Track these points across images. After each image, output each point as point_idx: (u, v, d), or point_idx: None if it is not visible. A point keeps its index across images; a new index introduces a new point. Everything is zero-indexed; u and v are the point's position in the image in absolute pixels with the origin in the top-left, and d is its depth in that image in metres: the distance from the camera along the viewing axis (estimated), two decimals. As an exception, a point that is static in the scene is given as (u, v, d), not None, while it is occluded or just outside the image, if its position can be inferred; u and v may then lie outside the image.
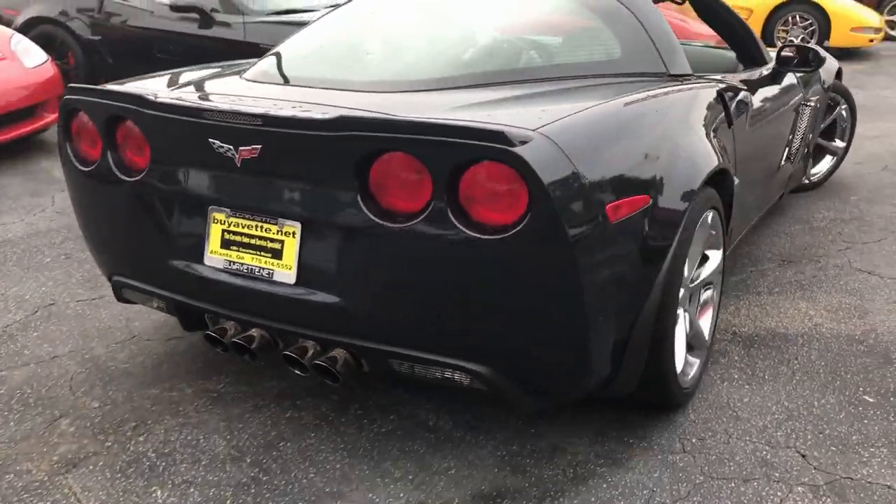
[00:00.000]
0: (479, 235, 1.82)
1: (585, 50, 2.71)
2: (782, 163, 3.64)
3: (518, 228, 1.79)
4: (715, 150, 2.41)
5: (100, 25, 6.78)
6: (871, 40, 9.76)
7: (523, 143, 1.76)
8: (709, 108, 2.54)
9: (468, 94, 2.21)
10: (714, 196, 2.41)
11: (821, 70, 3.83)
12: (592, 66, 2.53)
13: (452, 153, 1.79)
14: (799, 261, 3.68)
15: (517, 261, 1.83)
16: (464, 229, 1.83)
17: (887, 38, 10.79)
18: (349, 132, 1.88)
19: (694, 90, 2.53)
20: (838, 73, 4.43)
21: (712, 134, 2.47)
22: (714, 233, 2.50)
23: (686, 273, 2.28)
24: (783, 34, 9.76)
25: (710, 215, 2.39)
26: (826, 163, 4.74)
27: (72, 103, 2.32)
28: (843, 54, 9.24)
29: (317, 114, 1.95)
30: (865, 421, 2.42)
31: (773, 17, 9.91)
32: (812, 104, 3.91)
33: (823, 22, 9.63)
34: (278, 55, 2.70)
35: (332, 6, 3.42)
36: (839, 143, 4.73)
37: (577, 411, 2.39)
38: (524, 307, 1.89)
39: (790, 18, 9.77)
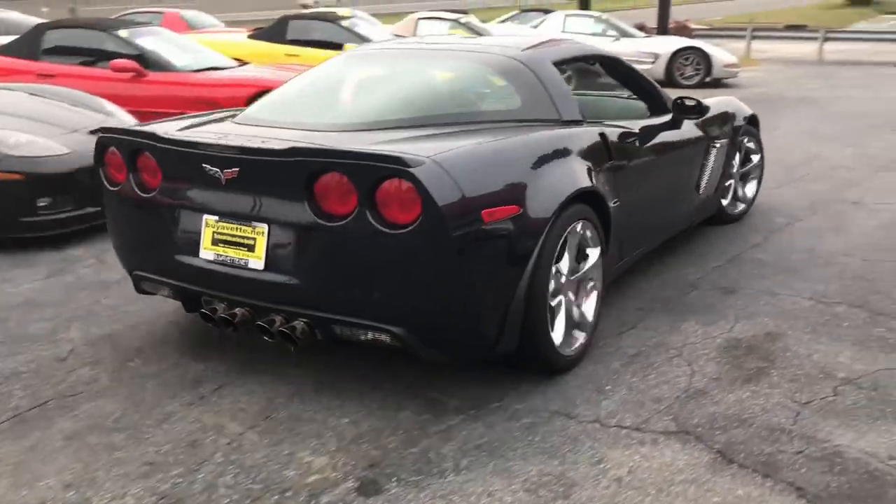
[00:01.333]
0: (388, 231, 2.63)
1: (491, 101, 3.59)
2: (691, 194, 4.56)
3: (415, 225, 2.59)
4: (587, 177, 3.20)
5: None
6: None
7: (418, 165, 2.56)
8: (588, 145, 3.35)
9: (392, 134, 3.04)
10: (587, 210, 3.19)
11: (736, 115, 5.02)
12: (495, 114, 3.44)
13: (370, 172, 2.63)
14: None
15: (416, 249, 2.63)
16: (378, 226, 2.64)
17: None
18: (298, 158, 2.74)
19: (574, 132, 3.36)
20: (752, 120, 5.35)
21: (587, 165, 3.25)
22: (590, 237, 3.25)
23: (564, 267, 3.10)
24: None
25: (579, 225, 3.14)
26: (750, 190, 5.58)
27: (105, 140, 3.29)
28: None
29: (276, 145, 2.80)
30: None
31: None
32: (718, 146, 4.73)
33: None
34: (260, 105, 3.61)
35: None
36: (750, 189, 5.57)
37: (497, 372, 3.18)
38: (423, 284, 2.68)
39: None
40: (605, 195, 3.32)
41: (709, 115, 4.46)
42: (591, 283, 3.34)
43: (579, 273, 3.25)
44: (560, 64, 3.75)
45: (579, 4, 22.66)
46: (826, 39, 20.68)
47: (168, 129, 3.23)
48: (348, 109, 3.51)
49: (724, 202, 5.17)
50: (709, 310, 3.85)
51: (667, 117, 4.26)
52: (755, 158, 5.54)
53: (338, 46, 9.51)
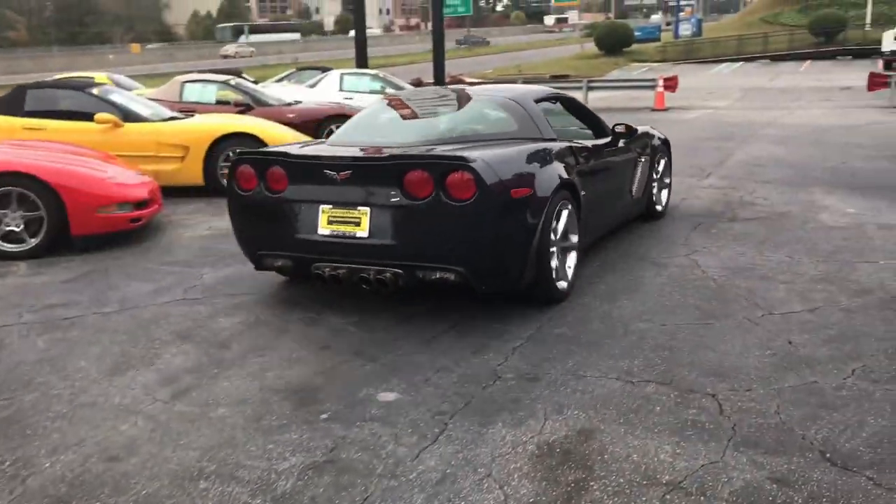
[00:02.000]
0: (454, 204, 4.13)
1: (497, 126, 5.27)
2: (626, 195, 6.35)
3: (471, 200, 4.11)
4: (566, 173, 4.87)
5: None
6: None
7: (474, 161, 4.12)
8: (563, 154, 5.05)
9: (443, 147, 4.70)
10: (568, 196, 4.86)
11: (654, 137, 7.04)
12: (502, 134, 5.14)
13: (443, 168, 4.16)
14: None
15: (472, 216, 4.12)
16: (448, 202, 4.13)
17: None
18: (395, 162, 4.29)
19: (554, 145, 5.04)
20: (665, 142, 7.42)
21: (564, 165, 4.91)
22: (573, 217, 4.94)
23: (559, 230, 4.74)
24: (227, 170, 7.90)
25: (568, 205, 4.86)
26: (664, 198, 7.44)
27: (238, 160, 4.79)
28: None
29: (379, 154, 4.48)
30: None
31: (213, 151, 8.81)
32: (643, 160, 6.63)
33: None
34: (343, 131, 5.35)
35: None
36: (664, 194, 7.41)
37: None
38: (477, 238, 4.18)
39: (231, 153, 8.38)
40: (578, 186, 5.02)
41: (635, 137, 6.31)
42: (572, 249, 5.03)
43: (566, 243, 4.95)
44: (538, 101, 5.54)
45: (357, 62, 22.59)
46: (589, 88, 22.07)
47: (291, 150, 4.91)
48: (408, 132, 5.23)
49: (651, 203, 7.04)
50: (515, 405, 3.45)
51: (608, 139, 6.00)
52: (667, 172, 7.46)
53: (88, 117, 8.48)
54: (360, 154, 4.61)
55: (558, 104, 6.06)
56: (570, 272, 4.96)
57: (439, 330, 4.40)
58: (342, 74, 14.40)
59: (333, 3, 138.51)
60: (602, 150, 5.78)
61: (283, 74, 20.67)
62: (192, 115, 9.78)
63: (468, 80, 24.61)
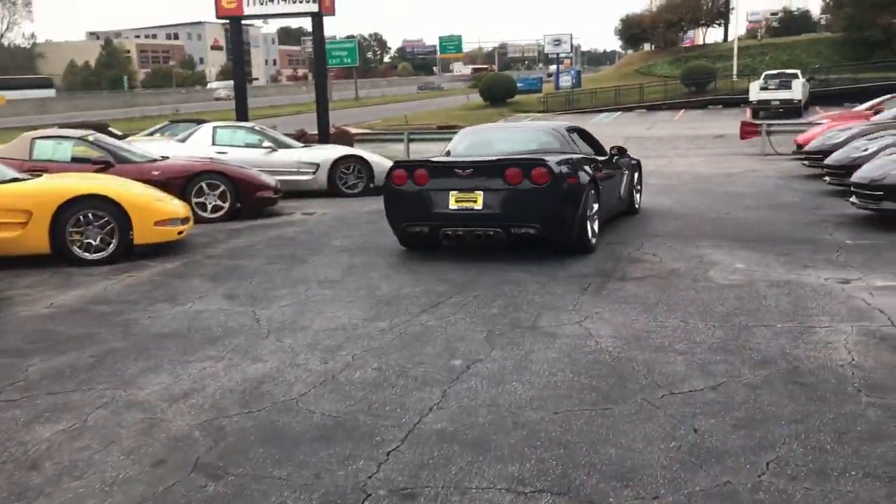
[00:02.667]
0: (537, 187, 7.25)
1: (549, 143, 8.59)
2: (619, 196, 9.34)
3: (547, 184, 7.23)
4: (592, 173, 8.02)
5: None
6: (181, 232, 8.70)
7: (549, 161, 7.39)
8: (587, 161, 8.21)
9: (523, 156, 8.01)
10: (594, 187, 7.87)
11: (631, 157, 10.10)
12: (553, 149, 8.36)
13: (531, 166, 7.33)
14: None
15: (548, 194, 7.25)
16: (533, 186, 7.25)
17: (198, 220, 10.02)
18: (501, 164, 7.45)
19: (582, 156, 8.33)
20: (638, 162, 10.52)
21: (589, 168, 8.01)
22: (595, 201, 7.89)
23: (591, 207, 7.80)
24: (77, 236, 8.00)
25: (594, 193, 7.85)
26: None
27: (394, 165, 7.99)
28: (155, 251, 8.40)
29: (489, 160, 7.68)
30: None
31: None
32: (626, 172, 9.65)
33: (123, 218, 8.12)
34: (453, 148, 8.86)
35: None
36: (638, 197, 10.64)
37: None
38: (549, 207, 7.30)
39: (82, 217, 7.96)
40: (597, 182, 7.95)
41: (622, 156, 9.57)
42: (595, 219, 7.90)
43: (592, 213, 7.77)
44: (568, 130, 8.95)
45: (237, 113, 21.77)
46: (475, 139, 22.04)
47: (431, 160, 8.13)
48: (497, 148, 8.61)
49: (632, 203, 10.26)
50: (386, 535, 2.84)
51: (607, 157, 9.15)
52: (639, 182, 10.68)
53: None
54: (479, 160, 7.74)
55: (576, 133, 9.20)
56: (595, 233, 7.97)
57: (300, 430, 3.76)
58: (215, 127, 13.58)
59: (218, 54, 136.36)
60: (606, 162, 8.99)
61: (155, 127, 19.62)
62: (41, 176, 8.83)
63: (353, 130, 24.14)
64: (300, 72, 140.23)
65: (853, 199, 8.99)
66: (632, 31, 61.66)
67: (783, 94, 33.78)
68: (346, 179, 13.38)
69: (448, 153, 8.71)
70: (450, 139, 24.42)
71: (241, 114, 21.74)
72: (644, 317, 5.53)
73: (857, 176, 8.91)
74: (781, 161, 17.62)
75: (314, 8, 20.83)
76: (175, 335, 5.53)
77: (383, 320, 5.70)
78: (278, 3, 20.85)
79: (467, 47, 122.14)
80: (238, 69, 22.46)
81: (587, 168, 7.97)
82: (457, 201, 7.45)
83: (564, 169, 7.44)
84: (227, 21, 21.43)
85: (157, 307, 6.32)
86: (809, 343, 4.83)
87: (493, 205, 7.35)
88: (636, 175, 10.37)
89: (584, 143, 9.10)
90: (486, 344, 5.04)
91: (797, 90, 33.61)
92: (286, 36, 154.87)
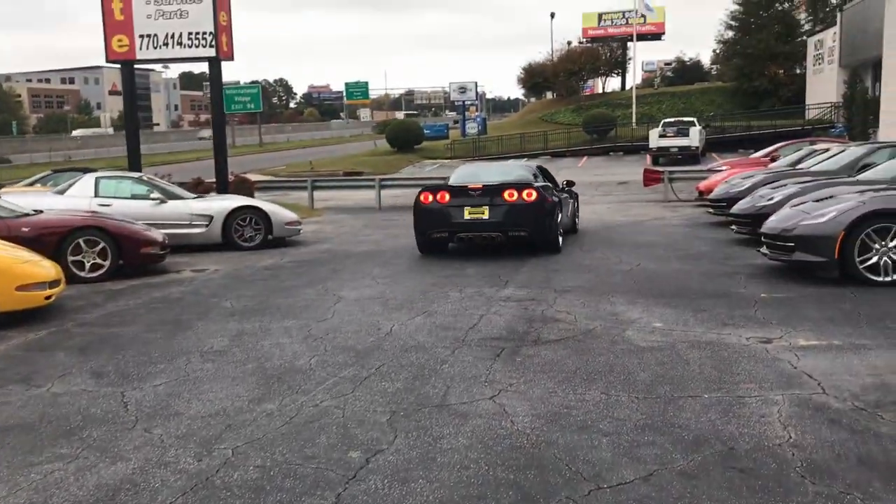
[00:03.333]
0: (527, 202, 10.65)
1: (525, 175, 11.73)
2: (568, 215, 12.61)
3: (534, 199, 10.67)
4: (557, 197, 11.74)
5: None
6: (49, 297, 7.68)
7: (535, 184, 11.19)
8: (552, 187, 12.20)
9: (517, 181, 11.35)
10: (560, 206, 11.58)
11: (573, 190, 13.58)
12: (528, 179, 11.49)
13: (523, 187, 10.82)
14: None
15: (536, 208, 10.70)
16: (524, 201, 10.66)
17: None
18: (500, 186, 10.96)
19: (550, 185, 12.23)
20: (577, 194, 13.99)
21: (556, 194, 11.87)
22: (561, 215, 11.63)
23: (559, 220, 11.40)
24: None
25: (560, 210, 11.57)
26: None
27: (422, 189, 11.40)
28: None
29: (491, 183, 11.17)
30: None
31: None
32: (571, 200, 13.04)
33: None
34: (454, 178, 12.05)
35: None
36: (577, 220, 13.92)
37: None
38: (537, 217, 10.73)
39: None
40: (561, 203, 11.62)
41: (571, 187, 13.14)
42: (560, 228, 11.38)
43: (559, 223, 11.28)
44: (537, 167, 12.51)
45: (129, 161, 20.65)
46: (382, 187, 21.53)
47: (451, 183, 11.63)
48: (494, 176, 11.59)
49: (575, 224, 13.41)
50: None
51: (561, 187, 12.68)
52: (577, 209, 13.83)
53: None
54: (484, 183, 10.92)
55: (539, 169, 12.23)
56: (560, 239, 11.20)
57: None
58: (98, 178, 12.58)
59: (117, 99, 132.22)
60: (562, 191, 12.33)
61: (35, 177, 18.33)
62: None
63: (254, 178, 23.30)
64: (202, 117, 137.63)
65: (763, 249, 8.86)
66: (534, 79, 62.91)
67: (681, 142, 34.77)
68: (242, 232, 12.60)
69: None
70: (356, 187, 23.78)
71: (134, 161, 20.59)
72: (562, 388, 5.04)
73: (767, 227, 8.79)
74: (685, 208, 17.80)
75: (211, 53, 20.06)
76: (22, 427, 4.69)
77: (272, 401, 5.01)
78: (174, 47, 20.00)
79: (374, 94, 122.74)
80: (130, 115, 21.38)
81: (555, 192, 11.81)
82: (469, 214, 10.71)
83: (544, 191, 11.05)
84: (120, 64, 20.36)
85: (8, 390, 5.44)
86: (741, 417, 4.42)
87: (497, 215, 10.63)
88: (577, 203, 13.93)
89: (544, 177, 12.22)
90: (388, 429, 4.43)
91: (694, 137, 34.66)
92: (188, 80, 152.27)
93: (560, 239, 11.16)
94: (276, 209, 13.18)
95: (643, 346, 6.01)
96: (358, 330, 6.84)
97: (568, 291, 8.25)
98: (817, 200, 8.78)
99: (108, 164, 43.68)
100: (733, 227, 11.50)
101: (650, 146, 36.02)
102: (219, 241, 12.52)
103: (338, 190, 24.12)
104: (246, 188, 21.47)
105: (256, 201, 13.51)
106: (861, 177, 10.87)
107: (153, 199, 12.32)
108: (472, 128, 55.10)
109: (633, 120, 48.21)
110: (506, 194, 10.58)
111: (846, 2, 41.35)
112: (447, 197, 10.78)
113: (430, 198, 10.90)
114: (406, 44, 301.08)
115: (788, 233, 8.29)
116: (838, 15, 40.13)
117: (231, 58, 21.10)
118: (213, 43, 19.87)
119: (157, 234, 10.66)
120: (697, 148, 34.70)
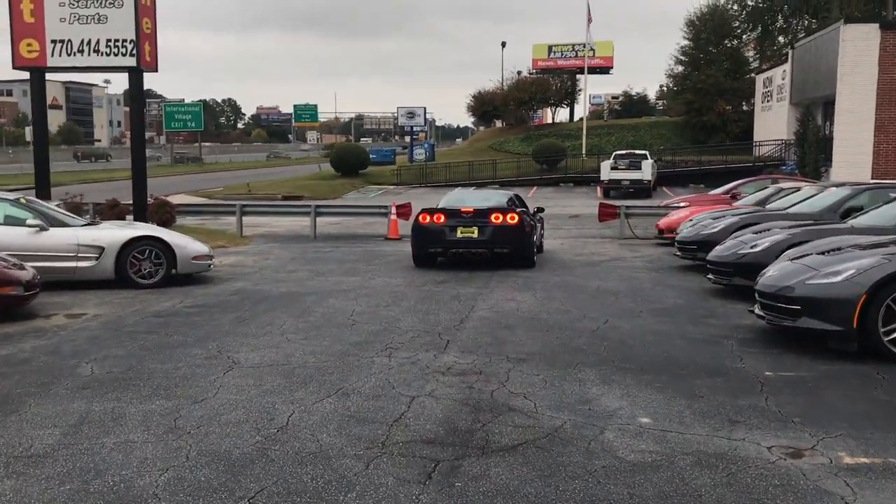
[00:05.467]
0: (511, 224, 12.41)
1: (507, 201, 13.38)
2: (538, 237, 14.36)
3: (517, 222, 12.44)
4: (533, 220, 13.87)
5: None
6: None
7: (516, 210, 12.76)
8: (529, 212, 14.09)
9: (500, 205, 13.15)
10: (536, 227, 13.89)
11: (539, 212, 15.06)
12: (511, 204, 13.26)
13: (508, 211, 12.58)
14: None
15: (518, 229, 12.48)
16: (508, 223, 12.41)
17: None
18: (490, 209, 12.67)
19: (527, 210, 14.05)
20: (542, 218, 15.41)
21: (533, 217, 13.92)
22: (536, 235, 13.81)
23: (538, 232, 14.20)
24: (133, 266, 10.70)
25: (539, 231, 14.30)
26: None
27: (421, 211, 13.17)
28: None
29: (483, 206, 12.89)
30: None
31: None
32: (539, 224, 14.64)
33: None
34: (442, 202, 13.63)
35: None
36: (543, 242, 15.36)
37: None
38: (519, 237, 12.54)
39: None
40: (535, 225, 13.77)
41: (540, 213, 14.89)
42: (540, 240, 14.31)
43: (535, 242, 13.43)
44: (514, 195, 14.12)
45: (36, 183, 18.49)
46: (318, 214, 19.72)
47: (446, 207, 13.02)
48: (480, 202, 13.22)
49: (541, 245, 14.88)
50: None
51: (534, 212, 14.39)
52: (542, 232, 15.01)
53: None
54: (476, 207, 12.65)
55: (517, 197, 13.94)
56: (540, 250, 14.16)
57: None
58: (-36, 201, 10.57)
59: (57, 113, 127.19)
60: (533, 215, 13.90)
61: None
62: None
63: (177, 201, 21.26)
64: (147, 134, 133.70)
65: (758, 311, 7.35)
66: (484, 107, 61.81)
67: (633, 175, 33.70)
68: (139, 266, 10.65)
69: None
70: (289, 213, 21.82)
71: (41, 178, 18.46)
72: (523, 546, 3.34)
73: (763, 285, 7.23)
74: (644, 247, 16.41)
75: (132, 62, 18.15)
76: None
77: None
78: (90, 54, 18.05)
79: (324, 117, 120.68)
80: (39, 128, 19.26)
81: (532, 216, 13.56)
82: (461, 233, 12.29)
83: (524, 216, 12.74)
84: (28, 71, 18.28)
85: None
86: None
87: (485, 234, 12.25)
88: (543, 228, 15.20)
89: (520, 203, 13.70)
90: None
91: (647, 170, 33.63)
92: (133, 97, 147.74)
93: (535, 256, 13.08)
94: (182, 240, 11.27)
95: (631, 460, 4.34)
96: (243, 420, 5.04)
97: (523, 360, 6.58)
98: (823, 253, 7.32)
99: (29, 181, 40.90)
100: (710, 276, 10.02)
101: (601, 178, 34.89)
102: (111, 277, 10.57)
103: (272, 216, 22.22)
104: (165, 212, 19.41)
105: (159, 230, 11.56)
106: (855, 223, 9.49)
107: (31, 225, 10.30)
108: (419, 154, 53.59)
109: (584, 151, 47.32)
110: (492, 217, 12.30)
111: (796, 40, 41.21)
112: (442, 218, 12.47)
113: (428, 218, 12.59)
114: (359, 69, 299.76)
115: (792, 292, 6.77)
116: (789, 52, 39.87)
117: (155, 69, 19.15)
118: (135, 52, 17.96)
119: (23, 272, 8.67)
120: (650, 181, 33.69)
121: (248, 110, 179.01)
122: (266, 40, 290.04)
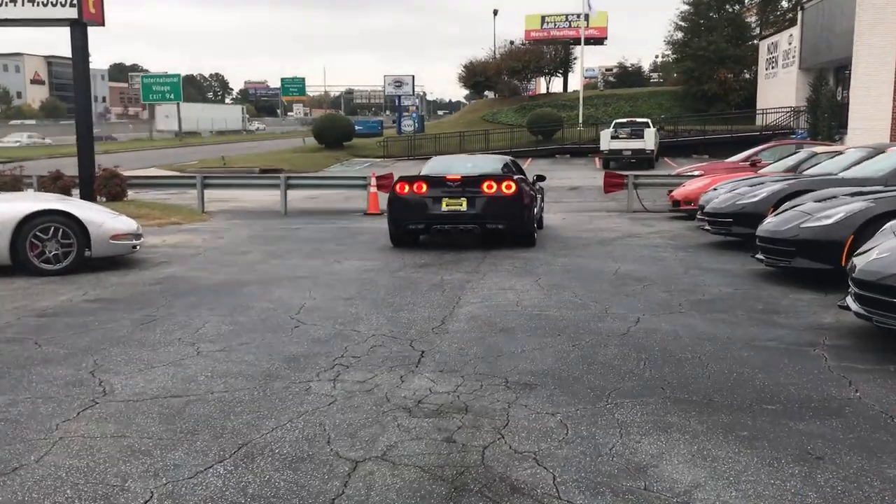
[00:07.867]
0: (506, 194, 10.17)
1: (502, 167, 11.58)
2: (538, 209, 12.08)
3: (514, 192, 10.19)
4: (533, 189, 11.61)
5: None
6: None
7: (513, 176, 10.53)
8: (528, 179, 11.72)
9: (494, 172, 11.13)
10: (536, 197, 11.71)
11: (538, 182, 12.79)
12: (507, 171, 11.36)
13: (503, 179, 10.35)
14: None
15: (514, 200, 10.22)
16: (503, 193, 10.17)
17: None
18: (481, 176, 10.46)
19: (525, 178, 11.55)
20: (543, 188, 13.67)
21: (532, 187, 11.66)
22: (537, 207, 11.75)
23: (536, 212, 11.42)
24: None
25: (539, 201, 12.18)
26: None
27: (399, 179, 10.74)
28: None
29: (474, 173, 10.78)
30: None
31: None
32: (540, 195, 12.55)
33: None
34: (429, 168, 11.77)
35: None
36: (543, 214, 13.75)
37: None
38: (515, 209, 10.27)
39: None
40: (535, 196, 11.42)
41: (540, 181, 12.76)
42: (539, 214, 12.13)
43: (535, 216, 11.12)
44: (510, 160, 12.39)
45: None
46: (289, 186, 17.53)
47: (428, 174, 11.04)
48: (462, 169, 11.07)
49: (541, 219, 13.07)
50: None
51: (533, 181, 12.12)
52: (542, 204, 13.16)
53: None
54: (460, 174, 10.44)
55: (513, 163, 12.33)
56: (539, 226, 12.08)
57: None
58: None
59: (40, 88, 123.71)
60: (533, 184, 11.91)
61: None
62: None
63: (129, 173, 19.02)
64: (131, 110, 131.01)
65: (853, 304, 5.28)
66: (476, 78, 59.30)
67: (635, 144, 31.48)
68: (42, 248, 8.48)
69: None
70: (256, 186, 19.62)
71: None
72: None
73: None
74: (657, 220, 14.32)
75: (72, 14, 15.93)
76: None
77: None
78: (24, 4, 15.85)
79: (313, 91, 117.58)
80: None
81: (531, 185, 11.52)
82: (447, 205, 10.21)
83: (522, 184, 10.54)
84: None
85: None
86: None
87: (474, 207, 10.18)
88: (543, 200, 13.28)
89: (518, 169, 11.97)
90: None
91: (650, 140, 31.42)
92: (119, 72, 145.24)
93: (535, 233, 10.97)
94: (99, 216, 9.06)
95: None
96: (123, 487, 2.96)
97: (530, 387, 4.48)
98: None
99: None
100: (759, 256, 7.90)
101: (601, 148, 32.69)
102: (6, 263, 8.42)
103: (239, 189, 19.98)
104: (114, 185, 17.20)
105: (70, 203, 9.31)
106: (946, 187, 7.43)
107: None
108: (408, 125, 51.19)
109: (580, 121, 45.06)
110: (484, 186, 10.20)
111: (804, 1, 38.87)
112: (424, 188, 10.31)
113: (407, 188, 10.39)
114: (349, 43, 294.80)
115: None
116: (799, 14, 37.57)
117: (101, 22, 16.86)
118: (76, 2, 15.74)
119: None
120: (652, 151, 31.49)
121: (237, 85, 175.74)
122: (257, 15, 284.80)
